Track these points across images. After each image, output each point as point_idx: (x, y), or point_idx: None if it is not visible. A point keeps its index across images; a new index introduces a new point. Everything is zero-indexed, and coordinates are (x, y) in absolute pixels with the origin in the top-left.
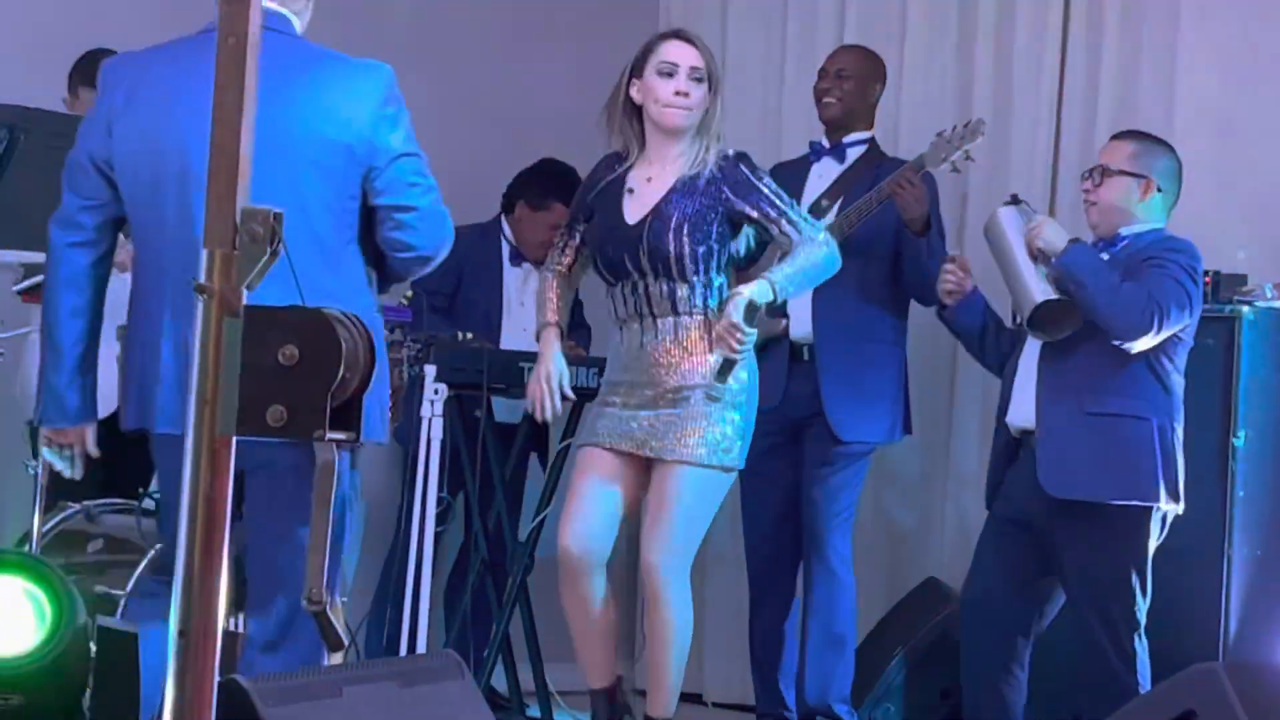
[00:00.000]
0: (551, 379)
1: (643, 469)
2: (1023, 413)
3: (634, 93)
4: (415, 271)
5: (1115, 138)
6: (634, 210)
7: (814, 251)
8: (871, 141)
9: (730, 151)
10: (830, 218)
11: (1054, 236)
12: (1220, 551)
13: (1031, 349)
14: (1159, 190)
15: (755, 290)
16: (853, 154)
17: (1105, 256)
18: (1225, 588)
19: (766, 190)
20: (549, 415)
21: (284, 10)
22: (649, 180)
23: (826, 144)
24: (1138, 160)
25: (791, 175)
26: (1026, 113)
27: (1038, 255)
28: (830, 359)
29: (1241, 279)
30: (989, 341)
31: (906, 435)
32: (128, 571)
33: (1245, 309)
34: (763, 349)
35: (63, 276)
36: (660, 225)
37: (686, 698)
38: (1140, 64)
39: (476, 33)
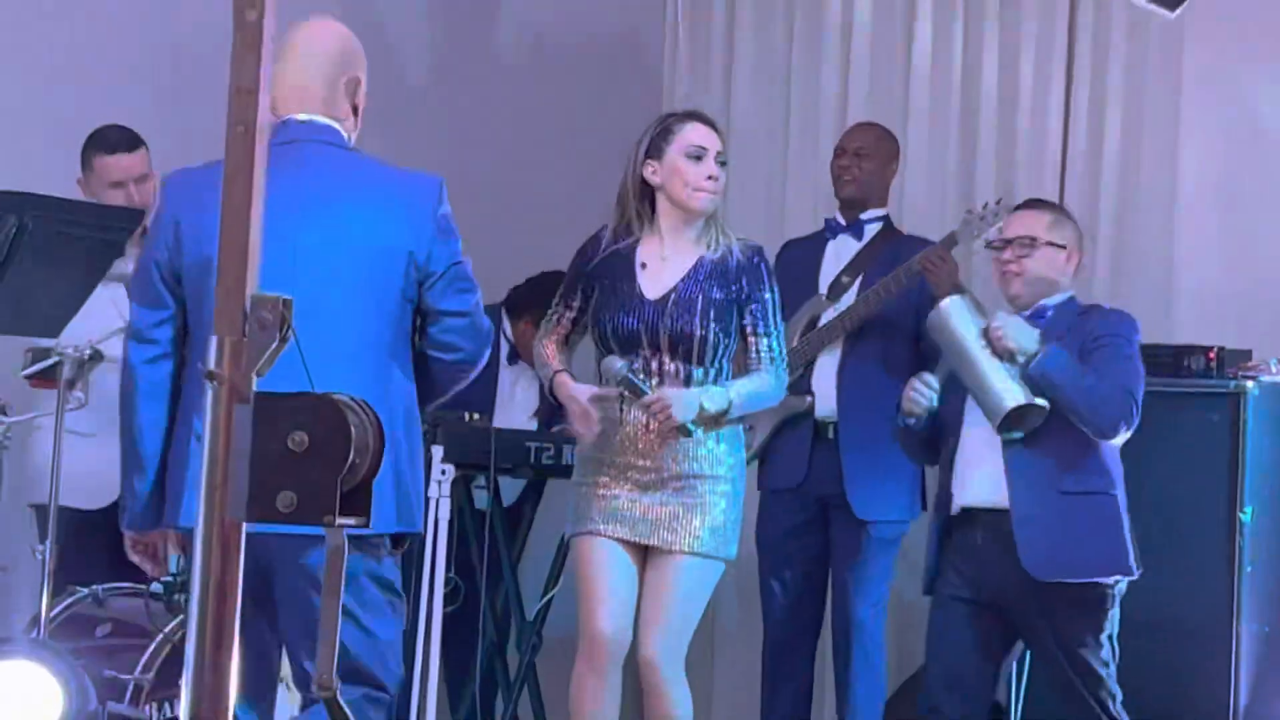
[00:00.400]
0: (591, 400)
1: (641, 554)
2: (974, 492)
3: (649, 173)
4: (457, 378)
5: (1027, 207)
6: (651, 286)
7: (771, 383)
8: (886, 219)
9: (756, 245)
10: (851, 294)
11: (1024, 338)
12: (1229, 627)
13: (976, 431)
14: (1076, 257)
15: (713, 398)
16: (870, 231)
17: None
18: (1234, 663)
19: (769, 303)
20: (594, 431)
21: (331, 122)
22: (664, 259)
23: (842, 221)
24: (1057, 229)
25: (806, 253)
26: (1030, 188)
27: (1003, 355)
28: (853, 438)
29: (1246, 354)
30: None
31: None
32: (136, 656)
33: (1250, 384)
34: (784, 426)
35: (143, 391)
36: (684, 307)
37: None
38: (1142, 137)
39: (480, 111)
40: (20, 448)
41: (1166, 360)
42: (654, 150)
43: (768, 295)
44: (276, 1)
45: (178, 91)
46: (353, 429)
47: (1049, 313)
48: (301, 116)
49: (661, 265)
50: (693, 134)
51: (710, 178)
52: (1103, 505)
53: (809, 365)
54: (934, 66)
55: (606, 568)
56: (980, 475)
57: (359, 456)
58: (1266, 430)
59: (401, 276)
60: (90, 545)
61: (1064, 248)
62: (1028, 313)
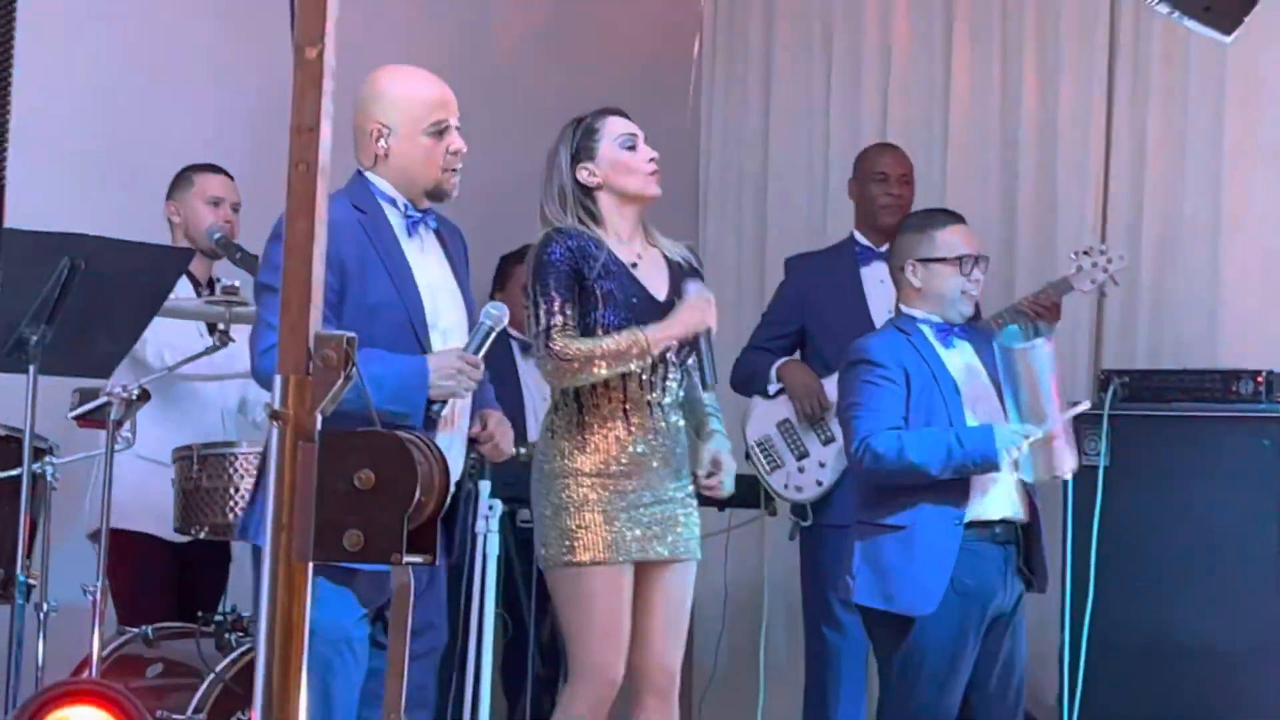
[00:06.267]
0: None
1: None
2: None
3: (584, 176)
4: None
5: (963, 221)
6: (654, 287)
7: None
8: None
9: (688, 244)
10: None
11: None
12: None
13: None
14: None
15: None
16: None
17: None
18: None
19: None
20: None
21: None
22: (640, 257)
23: (870, 245)
24: None
25: (837, 276)
26: (1072, 217)
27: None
28: None
29: None
30: None
31: None
32: (188, 696)
33: None
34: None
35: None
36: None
37: None
38: (1185, 162)
39: (514, 149)
40: (83, 484)
41: (1215, 385)
42: (583, 153)
43: None
44: (336, 40)
45: (253, 139)
46: (418, 466)
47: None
48: None
49: (644, 266)
50: (617, 125)
51: (651, 160)
52: None
53: None
54: (973, 96)
55: (624, 603)
56: (998, 489)
57: (425, 494)
58: None
59: None
60: (162, 574)
61: None
62: (958, 329)
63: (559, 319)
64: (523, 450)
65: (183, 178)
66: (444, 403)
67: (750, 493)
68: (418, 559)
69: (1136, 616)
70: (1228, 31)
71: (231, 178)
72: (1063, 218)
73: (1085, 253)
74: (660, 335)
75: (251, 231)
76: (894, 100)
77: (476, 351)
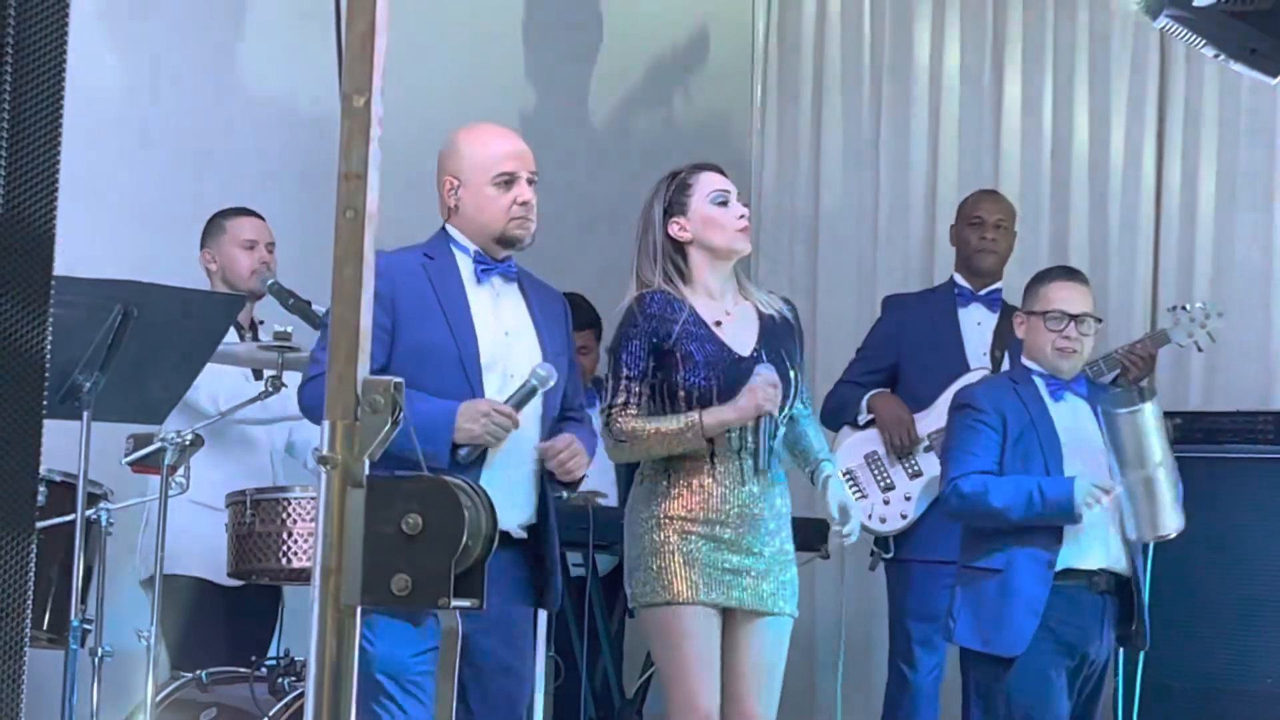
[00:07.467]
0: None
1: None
2: (1095, 555)
3: (675, 230)
4: None
5: (1074, 279)
6: (738, 344)
7: (820, 429)
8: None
9: (784, 298)
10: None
11: None
12: None
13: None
14: None
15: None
16: (997, 303)
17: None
18: None
19: (802, 356)
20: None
21: None
22: (727, 313)
23: (970, 288)
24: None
25: (935, 317)
26: (1124, 259)
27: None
28: None
29: None
30: None
31: None
32: None
33: None
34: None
35: None
36: (776, 360)
37: None
38: (1236, 203)
39: (564, 193)
40: (136, 528)
41: (1267, 426)
42: (675, 207)
43: (801, 349)
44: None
45: (299, 183)
46: (465, 511)
47: (1082, 380)
48: None
49: (730, 322)
50: (711, 181)
51: (743, 217)
52: None
53: None
54: (1023, 141)
55: (710, 640)
56: (1095, 539)
57: (472, 539)
58: None
59: None
60: (214, 618)
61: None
62: (1069, 381)
63: (623, 396)
64: (569, 494)
65: (214, 224)
66: (472, 448)
67: (806, 535)
68: (465, 604)
69: (1189, 659)
70: (1273, 74)
71: (263, 218)
72: (1114, 262)
73: (1184, 308)
74: (715, 420)
75: (294, 272)
76: (944, 145)
77: (517, 406)
